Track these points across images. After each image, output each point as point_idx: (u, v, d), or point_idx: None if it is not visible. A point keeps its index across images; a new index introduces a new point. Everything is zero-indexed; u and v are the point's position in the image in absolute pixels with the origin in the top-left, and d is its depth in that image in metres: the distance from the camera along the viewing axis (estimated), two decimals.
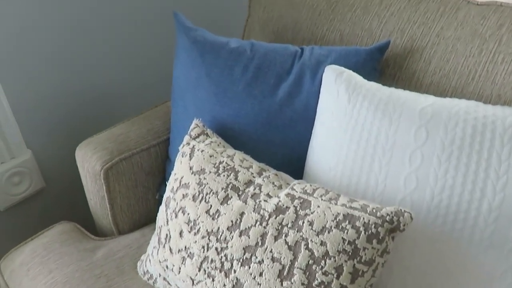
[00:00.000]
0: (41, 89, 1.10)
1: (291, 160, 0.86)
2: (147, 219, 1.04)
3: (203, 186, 0.73)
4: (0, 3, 0.97)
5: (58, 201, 1.23)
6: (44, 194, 1.19)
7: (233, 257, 0.66)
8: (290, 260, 0.63)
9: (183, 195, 0.75)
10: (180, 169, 0.79)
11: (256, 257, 0.65)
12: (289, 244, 0.64)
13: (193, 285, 0.71)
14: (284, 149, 0.86)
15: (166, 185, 1.01)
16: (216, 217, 0.70)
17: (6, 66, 1.02)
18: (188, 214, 0.73)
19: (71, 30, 1.10)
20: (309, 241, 0.63)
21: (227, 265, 0.67)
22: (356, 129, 0.75)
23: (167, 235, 0.76)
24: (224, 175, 0.74)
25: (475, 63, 0.81)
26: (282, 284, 0.63)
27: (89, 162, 0.97)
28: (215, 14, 1.41)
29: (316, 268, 0.62)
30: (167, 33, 1.27)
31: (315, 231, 0.63)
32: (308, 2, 1.04)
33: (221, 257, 0.67)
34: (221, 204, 0.71)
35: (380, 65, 0.90)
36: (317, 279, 0.61)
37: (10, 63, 1.03)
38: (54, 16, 1.06)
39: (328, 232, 0.63)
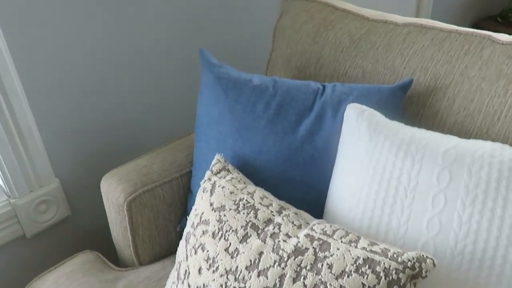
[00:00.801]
0: (71, 120, 1.14)
1: (311, 197, 0.85)
2: (168, 251, 1.05)
3: (223, 223, 0.74)
4: (36, 39, 1.02)
5: (82, 229, 1.25)
6: (69, 222, 1.22)
7: None
8: None
9: (203, 231, 0.76)
10: (201, 205, 0.80)
11: None
12: (308, 287, 0.63)
13: None
14: (305, 187, 0.86)
15: (187, 217, 1.02)
16: (235, 255, 0.70)
17: (38, 97, 1.06)
18: (208, 251, 0.73)
19: (100, 64, 1.14)
20: (328, 285, 0.62)
21: None
22: (377, 169, 0.74)
23: (186, 271, 0.77)
24: (244, 213, 0.74)
25: (501, 103, 0.80)
26: None
27: (114, 193, 0.99)
28: (241, 48, 1.44)
29: None
30: (192, 67, 1.31)
31: (334, 274, 0.63)
32: (331, 39, 1.05)
33: None
34: (240, 242, 0.71)
35: (403, 103, 0.89)
36: None
37: (43, 95, 1.07)
38: (84, 51, 1.10)
39: (348, 277, 0.62)
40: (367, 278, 0.61)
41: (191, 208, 1.00)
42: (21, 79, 1.02)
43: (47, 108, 1.09)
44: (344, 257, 0.63)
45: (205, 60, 0.97)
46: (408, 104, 0.91)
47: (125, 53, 1.18)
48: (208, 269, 0.72)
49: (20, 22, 0.99)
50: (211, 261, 0.72)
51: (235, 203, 0.76)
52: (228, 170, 0.83)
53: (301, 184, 0.86)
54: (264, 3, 1.46)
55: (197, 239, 0.76)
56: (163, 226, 1.03)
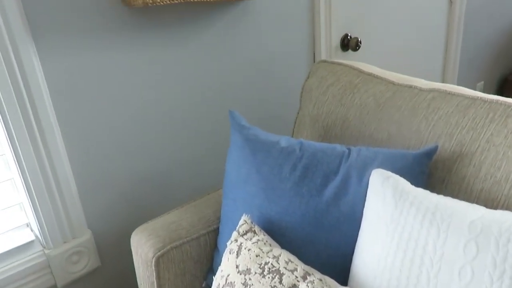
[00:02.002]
0: (106, 173, 1.19)
1: (336, 261, 0.86)
2: None
3: (248, 287, 0.75)
4: (78, 98, 1.10)
5: (111, 281, 1.28)
6: (98, 273, 1.25)
7: None
8: None
9: None
10: (227, 266, 0.81)
11: None
12: None
13: None
14: (330, 250, 0.86)
15: (213, 274, 1.04)
16: None
17: (77, 151, 1.13)
18: None
19: (136, 122, 1.21)
20: None
21: None
22: (403, 237, 0.75)
23: None
24: (269, 277, 0.75)
25: None
26: None
27: (143, 248, 1.02)
28: (270, 106, 1.50)
29: None
30: (222, 125, 1.37)
31: None
32: (357, 102, 1.09)
33: None
34: None
35: (428, 168, 0.90)
36: None
37: (81, 149, 1.14)
38: (122, 110, 1.18)
39: None
40: None
41: (217, 265, 1.02)
42: (62, 133, 1.09)
43: (84, 162, 1.15)
44: None
45: (235, 121, 1.02)
46: (434, 169, 0.92)
47: (159, 111, 1.25)
48: None
49: (66, 82, 1.07)
50: None
51: (261, 266, 0.77)
52: (255, 232, 0.85)
53: (326, 247, 0.86)
54: (292, 65, 1.52)
55: None
56: (189, 282, 1.04)
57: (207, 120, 1.35)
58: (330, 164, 0.91)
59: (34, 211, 1.09)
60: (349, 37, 1.69)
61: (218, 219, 1.08)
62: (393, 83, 1.07)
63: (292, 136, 1.27)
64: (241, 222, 0.88)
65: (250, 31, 1.37)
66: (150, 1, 1.02)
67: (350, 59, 1.74)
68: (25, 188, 1.06)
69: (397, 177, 0.82)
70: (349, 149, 0.93)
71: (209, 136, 1.37)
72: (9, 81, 0.97)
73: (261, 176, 0.93)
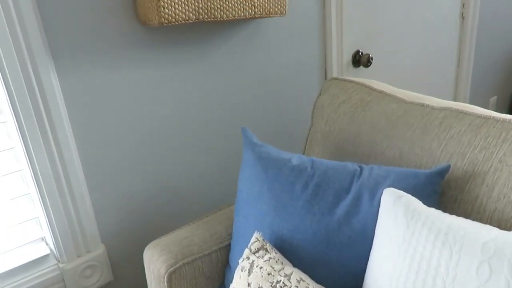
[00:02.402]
0: (119, 189, 1.21)
1: (347, 280, 0.86)
2: None
3: None
4: (94, 116, 1.12)
5: None
6: None
7: None
8: None
9: None
10: (239, 284, 0.82)
11: None
12: None
13: None
14: (341, 268, 0.86)
15: None
16: None
17: (92, 167, 1.15)
18: None
19: (150, 139, 1.23)
20: None
21: None
22: (415, 258, 0.74)
23: None
24: None
25: None
26: None
27: (155, 264, 1.03)
28: (281, 122, 1.51)
29: None
30: (235, 141, 1.38)
31: None
32: (368, 119, 1.09)
33: None
34: None
35: (440, 187, 0.90)
36: None
37: (96, 165, 1.16)
38: (136, 128, 1.20)
39: None
40: None
41: (228, 282, 1.03)
42: (78, 149, 1.11)
43: (98, 177, 1.17)
44: None
45: (247, 138, 1.03)
46: (446, 188, 0.91)
47: (172, 128, 1.27)
48: None
49: (82, 99, 1.10)
50: None
51: (272, 285, 0.77)
52: (266, 250, 0.86)
53: (338, 265, 0.86)
54: (303, 81, 1.53)
55: None
56: None
57: (219, 136, 1.37)
58: (341, 182, 0.91)
59: (50, 225, 1.11)
60: (360, 53, 1.70)
61: (230, 235, 1.09)
62: (404, 101, 1.08)
63: (304, 153, 1.28)
64: (253, 239, 0.88)
65: (262, 49, 1.39)
66: (165, 20, 1.05)
67: (361, 75, 1.75)
68: (41, 203, 1.08)
69: (409, 196, 0.82)
70: (361, 168, 0.94)
71: (221, 152, 1.38)
72: (29, 98, 1.00)
73: (273, 193, 0.94)
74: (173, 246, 1.05)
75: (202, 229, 1.10)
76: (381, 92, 1.13)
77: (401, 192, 0.83)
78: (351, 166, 0.95)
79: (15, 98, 0.98)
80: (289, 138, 1.54)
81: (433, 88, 2.08)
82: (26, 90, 0.99)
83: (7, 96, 0.98)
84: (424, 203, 0.83)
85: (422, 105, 1.04)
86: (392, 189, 0.84)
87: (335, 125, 1.16)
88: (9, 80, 0.96)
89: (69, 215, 1.13)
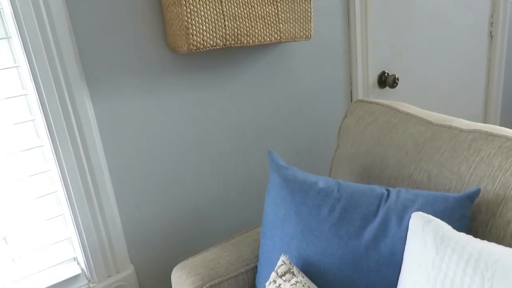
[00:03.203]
0: (148, 211, 1.24)
1: None
2: None
3: None
4: (126, 138, 1.16)
5: None
6: None
7: None
8: None
9: None
10: None
11: None
12: None
13: None
14: None
15: None
16: None
17: (123, 189, 1.19)
18: None
19: (179, 161, 1.26)
20: None
21: None
22: (445, 284, 0.73)
23: None
24: None
25: None
26: None
27: (183, 285, 1.04)
28: (307, 144, 1.52)
29: None
30: (261, 163, 1.39)
31: None
32: (395, 141, 1.09)
33: None
34: None
35: (470, 212, 0.88)
36: None
37: (127, 187, 1.19)
38: (165, 151, 1.23)
39: None
40: None
41: None
42: (110, 172, 1.15)
43: (129, 199, 1.20)
44: None
45: (273, 161, 1.04)
46: (477, 212, 0.90)
47: (200, 150, 1.29)
48: None
49: (114, 123, 1.14)
50: None
51: None
52: (293, 273, 0.85)
53: None
54: (328, 102, 1.54)
55: None
56: None
57: (246, 158, 1.39)
58: (368, 206, 0.91)
59: (82, 245, 1.14)
60: (386, 74, 1.70)
61: (256, 257, 1.09)
62: (431, 123, 1.07)
63: (330, 175, 1.28)
64: (279, 262, 0.89)
65: (287, 72, 1.41)
66: (194, 47, 1.08)
67: (387, 96, 1.75)
68: (74, 224, 1.12)
69: (438, 220, 0.81)
70: (388, 191, 0.93)
71: (247, 173, 1.40)
72: (64, 123, 1.04)
73: (299, 217, 0.94)
74: (200, 268, 1.06)
75: (228, 251, 1.11)
76: (407, 114, 1.13)
77: (430, 216, 0.81)
78: (378, 189, 0.94)
79: (52, 123, 1.03)
80: (315, 159, 1.55)
81: (461, 109, 2.04)
82: (62, 116, 1.03)
83: (44, 121, 1.03)
84: (453, 227, 0.82)
85: (450, 127, 1.03)
86: (420, 213, 0.83)
87: (361, 147, 1.16)
88: (47, 106, 1.01)
89: (100, 236, 1.16)
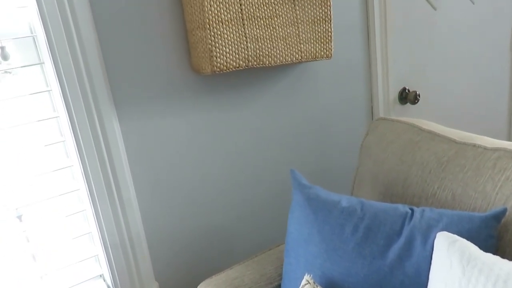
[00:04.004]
0: (173, 228, 1.26)
1: None
2: None
3: None
4: (152, 159, 1.19)
5: None
6: None
7: None
8: None
9: None
10: None
11: None
12: None
13: None
14: None
15: None
16: None
17: (149, 209, 1.21)
18: None
19: (203, 181, 1.28)
20: None
21: None
22: None
23: None
24: None
25: None
26: None
27: None
28: (329, 162, 1.52)
29: None
30: (283, 182, 1.40)
31: None
32: (418, 160, 1.08)
33: None
34: None
35: (497, 231, 0.87)
36: None
37: (152, 206, 1.22)
38: (189, 171, 1.25)
39: None
40: None
41: None
42: (136, 190, 1.18)
43: (154, 217, 1.23)
44: None
45: (296, 180, 1.05)
46: (504, 232, 0.89)
47: (223, 168, 1.31)
48: None
49: (140, 142, 1.17)
50: None
51: None
52: None
53: None
54: (349, 120, 1.55)
55: None
56: None
57: (268, 176, 1.40)
58: (392, 225, 0.91)
59: (108, 262, 1.17)
60: (407, 91, 1.70)
61: (280, 276, 1.10)
62: (455, 141, 1.06)
63: (352, 193, 1.28)
64: (303, 281, 0.89)
65: (308, 91, 1.43)
66: (217, 69, 1.11)
67: (409, 112, 1.74)
68: (101, 242, 1.15)
69: (464, 241, 0.80)
70: (412, 210, 0.93)
71: (270, 190, 1.41)
72: (93, 144, 1.08)
73: (323, 236, 0.94)
74: (224, 286, 1.07)
75: (252, 269, 1.12)
76: (430, 132, 1.13)
77: (456, 236, 0.81)
78: (402, 208, 0.94)
79: (81, 144, 1.07)
80: (337, 177, 1.55)
81: (484, 126, 2.02)
82: (91, 136, 1.07)
83: (74, 142, 1.06)
84: (480, 248, 0.81)
85: (474, 145, 1.02)
86: (445, 233, 0.82)
87: (383, 165, 1.16)
88: (77, 127, 1.05)
89: (126, 253, 1.18)
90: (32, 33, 1.01)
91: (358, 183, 1.25)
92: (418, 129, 1.16)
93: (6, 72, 1.00)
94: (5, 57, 0.94)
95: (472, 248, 0.79)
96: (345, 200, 0.98)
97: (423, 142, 1.11)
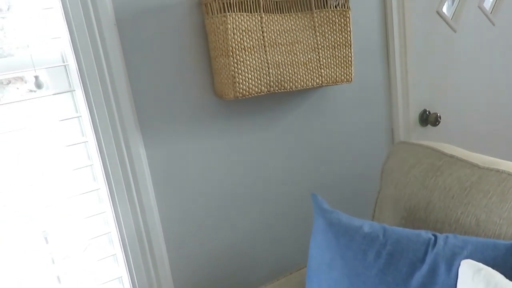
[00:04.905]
0: (195, 252, 1.28)
1: None
2: None
3: None
4: (175, 185, 1.22)
5: None
6: None
7: None
8: None
9: None
10: None
11: None
12: None
13: None
14: None
15: None
16: None
17: (170, 231, 1.23)
18: None
19: (224, 204, 1.30)
20: None
21: None
22: None
23: None
24: None
25: None
26: None
27: None
28: (349, 186, 1.53)
29: None
30: (304, 205, 1.41)
31: None
32: (440, 185, 1.08)
33: None
34: None
35: None
36: None
37: (174, 230, 1.24)
38: (210, 191, 1.28)
39: None
40: None
41: None
42: (159, 213, 1.20)
43: (176, 239, 1.25)
44: None
45: (317, 204, 1.06)
46: None
47: (246, 193, 1.33)
48: None
49: (165, 165, 1.20)
50: None
51: None
52: None
53: None
54: (369, 142, 1.56)
55: None
56: None
57: (290, 199, 1.41)
58: (416, 252, 0.90)
59: (132, 284, 1.19)
60: (428, 112, 1.70)
61: None
62: (478, 166, 1.06)
63: (373, 217, 1.28)
64: None
65: (329, 114, 1.44)
66: (240, 94, 1.14)
67: (430, 134, 1.74)
68: (126, 263, 1.17)
69: (490, 269, 0.79)
70: (435, 236, 0.92)
71: (291, 214, 1.42)
72: (120, 168, 1.11)
73: (345, 261, 0.95)
74: None
75: None
76: (452, 156, 1.12)
77: (481, 264, 0.80)
78: (425, 234, 0.94)
79: (109, 168, 1.10)
80: (358, 200, 1.55)
81: (508, 149, 1.99)
82: (118, 161, 1.11)
83: (102, 166, 1.10)
84: (506, 277, 0.80)
85: (498, 170, 1.02)
86: (470, 261, 0.82)
87: (405, 189, 1.16)
88: (104, 152, 1.09)
89: (149, 274, 1.20)
90: (64, 61, 1.06)
91: (379, 207, 1.25)
92: (440, 153, 1.15)
93: (39, 98, 1.04)
94: (39, 86, 0.99)
95: (498, 277, 0.78)
96: (367, 226, 0.98)
97: (445, 166, 1.11)
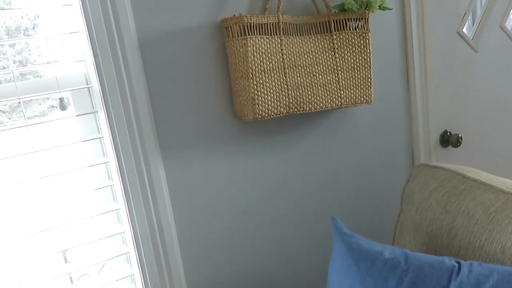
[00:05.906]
0: (213, 272, 1.27)
1: None
2: None
3: None
4: (194, 205, 1.22)
5: None
6: None
7: None
8: None
9: None
10: None
11: None
12: None
13: None
14: None
15: None
16: None
17: (188, 253, 1.23)
18: None
19: (243, 229, 1.29)
20: None
21: None
22: None
23: None
24: None
25: None
26: None
27: None
28: (369, 208, 1.51)
29: None
30: (322, 229, 1.40)
31: None
32: (463, 209, 1.06)
33: None
34: None
35: None
36: None
37: (192, 251, 1.24)
38: (228, 211, 1.27)
39: None
40: None
41: None
42: (177, 234, 1.21)
43: (193, 260, 1.24)
44: None
45: (337, 228, 1.05)
46: None
47: (263, 212, 1.32)
48: None
49: (183, 185, 1.20)
50: None
51: None
52: None
53: None
54: (389, 163, 1.54)
55: None
56: None
57: (308, 221, 1.40)
58: (439, 280, 0.88)
59: None
60: (449, 133, 1.67)
61: None
62: (502, 191, 1.03)
63: (393, 240, 1.25)
64: None
65: (348, 135, 1.43)
66: (259, 116, 1.14)
67: (451, 155, 1.71)
68: (143, 282, 1.17)
69: None
70: (459, 264, 0.90)
71: (309, 235, 1.40)
72: (139, 188, 1.12)
73: None
74: None
75: None
76: (475, 180, 1.10)
77: None
78: (448, 261, 0.91)
79: (129, 189, 1.11)
80: (376, 223, 1.52)
81: None
82: (137, 181, 1.12)
83: (122, 186, 1.11)
84: None
85: None
86: None
87: (427, 213, 1.14)
88: (125, 172, 1.10)
89: None
90: (87, 83, 1.09)
91: (400, 231, 1.23)
92: (462, 177, 1.13)
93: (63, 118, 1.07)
94: (63, 107, 1.01)
95: None
96: (388, 251, 0.96)
97: (468, 191, 1.09)
